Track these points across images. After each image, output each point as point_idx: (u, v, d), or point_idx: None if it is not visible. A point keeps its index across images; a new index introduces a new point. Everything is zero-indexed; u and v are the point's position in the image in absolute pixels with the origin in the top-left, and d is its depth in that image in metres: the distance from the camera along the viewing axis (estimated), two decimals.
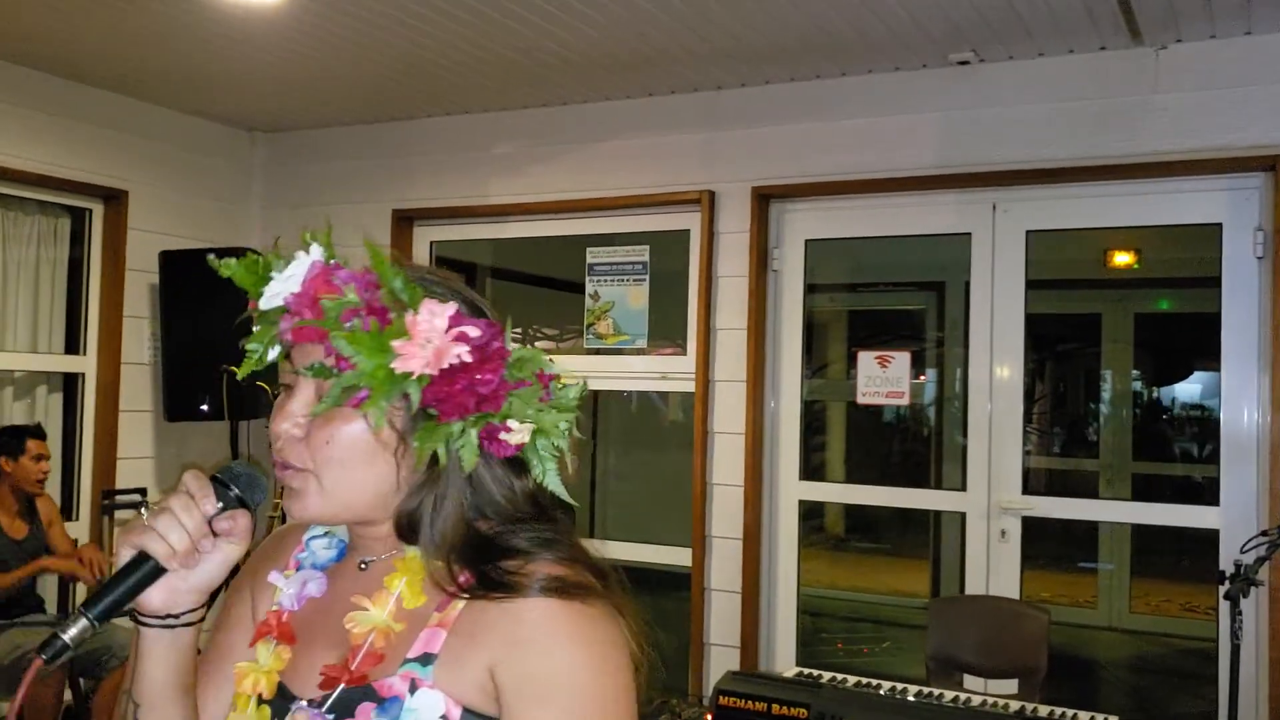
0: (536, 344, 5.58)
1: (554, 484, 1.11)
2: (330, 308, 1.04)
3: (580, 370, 5.18)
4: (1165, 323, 7.80)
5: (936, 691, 2.91)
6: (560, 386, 1.11)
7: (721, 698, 2.82)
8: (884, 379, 4.40)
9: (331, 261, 1.09)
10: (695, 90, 4.67)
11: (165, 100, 5.17)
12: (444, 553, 1.08)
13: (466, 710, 1.04)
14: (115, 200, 5.08)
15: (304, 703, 1.09)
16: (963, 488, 4.29)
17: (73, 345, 5.11)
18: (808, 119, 4.49)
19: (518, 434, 1.07)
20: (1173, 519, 4.38)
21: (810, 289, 4.62)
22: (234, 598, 1.24)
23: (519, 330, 5.70)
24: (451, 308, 1.05)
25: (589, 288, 4.99)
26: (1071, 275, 6.85)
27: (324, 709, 1.07)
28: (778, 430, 4.58)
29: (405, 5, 3.82)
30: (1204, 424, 7.94)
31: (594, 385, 5.50)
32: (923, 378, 6.78)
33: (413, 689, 1.04)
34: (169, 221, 5.28)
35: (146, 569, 1.03)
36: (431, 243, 5.43)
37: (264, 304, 1.09)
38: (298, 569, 1.20)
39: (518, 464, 1.11)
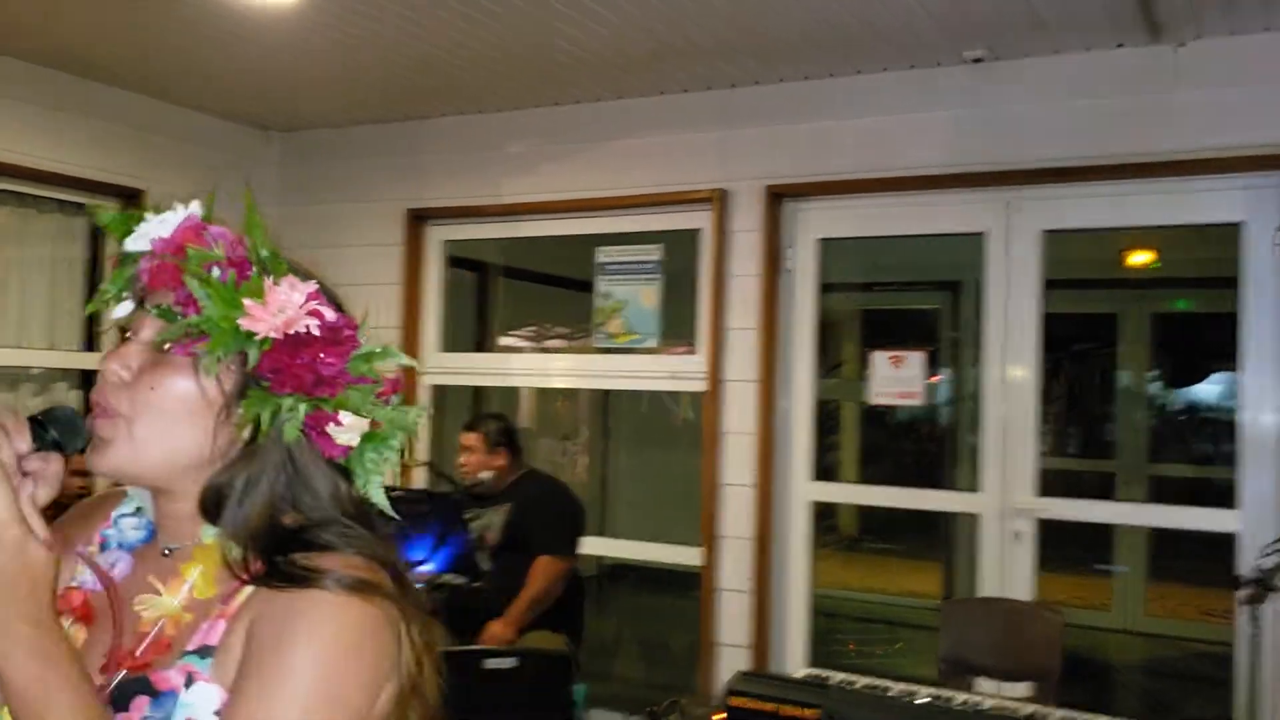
0: (547, 343, 5.57)
1: (377, 496, 1.10)
2: (194, 256, 1.06)
3: (590, 370, 5.18)
4: (1183, 323, 7.74)
5: (948, 693, 2.89)
6: (400, 402, 1.11)
7: (732, 697, 2.80)
8: (897, 379, 4.38)
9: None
10: (708, 88, 4.65)
11: (182, 99, 5.19)
12: (243, 537, 1.05)
13: None
14: (133, 199, 5.09)
15: None
16: (977, 489, 4.26)
17: (90, 341, 5.13)
18: (821, 117, 4.47)
19: (347, 432, 1.06)
20: (1190, 522, 4.33)
21: (823, 288, 4.60)
22: None
23: (531, 328, 5.70)
24: (312, 286, 1.07)
25: (600, 287, 4.98)
26: (1087, 275, 6.81)
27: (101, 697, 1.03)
28: (789, 430, 4.56)
29: (418, 4, 3.82)
30: (1222, 426, 7.88)
31: (604, 385, 5.51)
32: (936, 378, 6.74)
33: (189, 683, 1.01)
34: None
35: None
36: (444, 242, 5.44)
37: (130, 244, 1.10)
38: (103, 546, 1.17)
39: (342, 470, 1.09)
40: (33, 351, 4.94)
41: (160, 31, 4.22)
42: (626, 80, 4.61)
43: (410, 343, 5.35)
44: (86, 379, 5.13)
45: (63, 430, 1.06)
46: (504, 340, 5.80)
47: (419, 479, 5.20)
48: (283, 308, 1.03)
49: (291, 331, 1.03)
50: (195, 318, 1.03)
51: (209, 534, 1.08)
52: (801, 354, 4.56)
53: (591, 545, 5.44)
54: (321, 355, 1.04)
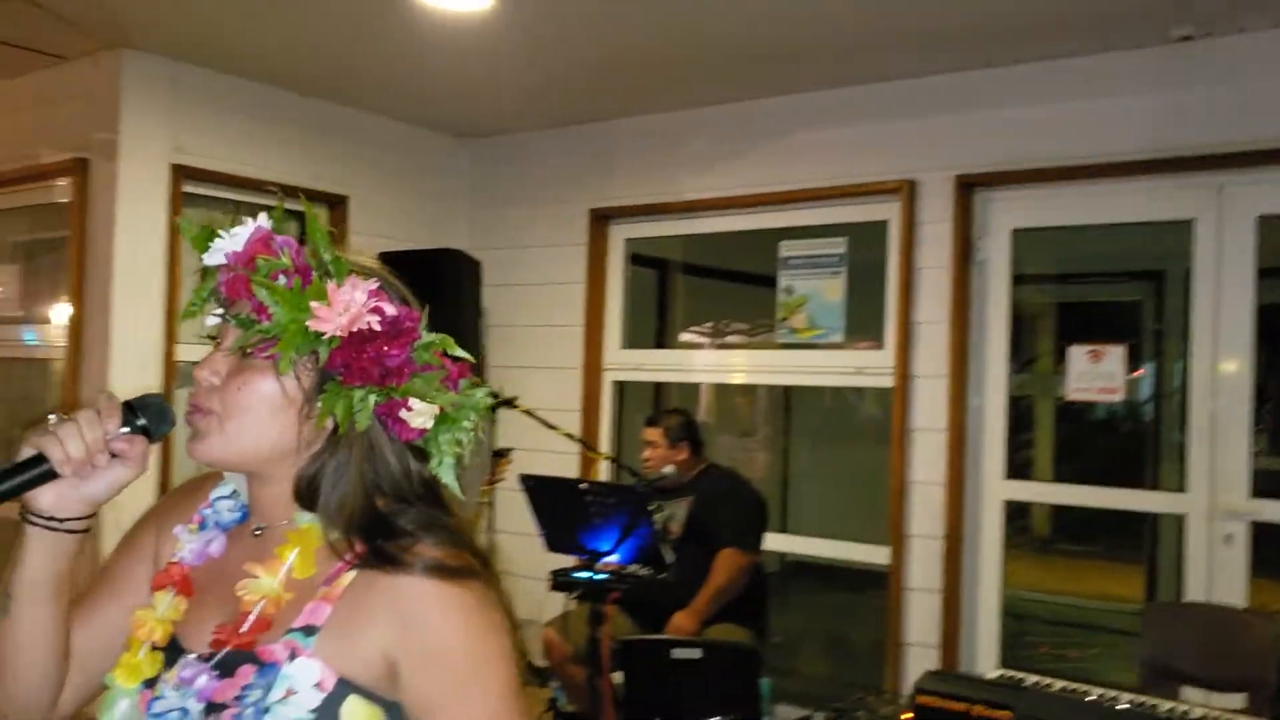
0: (728, 339, 5.59)
1: (448, 478, 1.19)
2: (263, 266, 1.14)
3: (773, 365, 5.18)
4: None
5: (1151, 700, 2.77)
6: (469, 386, 1.18)
7: (920, 696, 2.76)
8: (1096, 374, 4.20)
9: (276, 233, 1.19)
10: (893, 79, 4.57)
11: (382, 109, 5.46)
12: (341, 522, 1.15)
13: (343, 679, 1.10)
14: (338, 205, 5.40)
15: (193, 656, 1.15)
16: (1182, 489, 4.05)
17: None
18: (1014, 104, 4.33)
19: (419, 416, 1.14)
20: None
21: (1017, 280, 4.46)
22: (139, 531, 1.31)
23: (711, 324, 5.74)
24: (373, 284, 1.15)
25: (782, 282, 4.97)
26: None
27: (210, 665, 1.13)
28: (981, 427, 4.44)
29: (601, 8, 3.90)
30: None
31: (787, 381, 5.48)
32: (1139, 372, 6.42)
33: (292, 656, 1.10)
34: (386, 224, 5.56)
35: (41, 470, 1.09)
36: (626, 240, 5.53)
37: (208, 259, 1.18)
38: (201, 525, 1.26)
39: (418, 451, 1.18)
40: None
41: (363, 46, 4.46)
42: (808, 73, 4.59)
43: (593, 340, 5.48)
44: None
45: (152, 417, 1.15)
46: (685, 336, 5.86)
47: (603, 473, 5.32)
48: (346, 307, 1.11)
49: (355, 329, 1.11)
50: (267, 324, 1.12)
51: (303, 518, 1.18)
52: (994, 348, 4.43)
53: (774, 542, 5.46)
54: (385, 348, 1.12)
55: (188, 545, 1.24)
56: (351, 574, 1.13)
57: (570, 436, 4.66)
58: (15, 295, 5.43)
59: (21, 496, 1.11)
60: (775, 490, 8.32)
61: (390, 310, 1.14)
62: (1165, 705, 2.73)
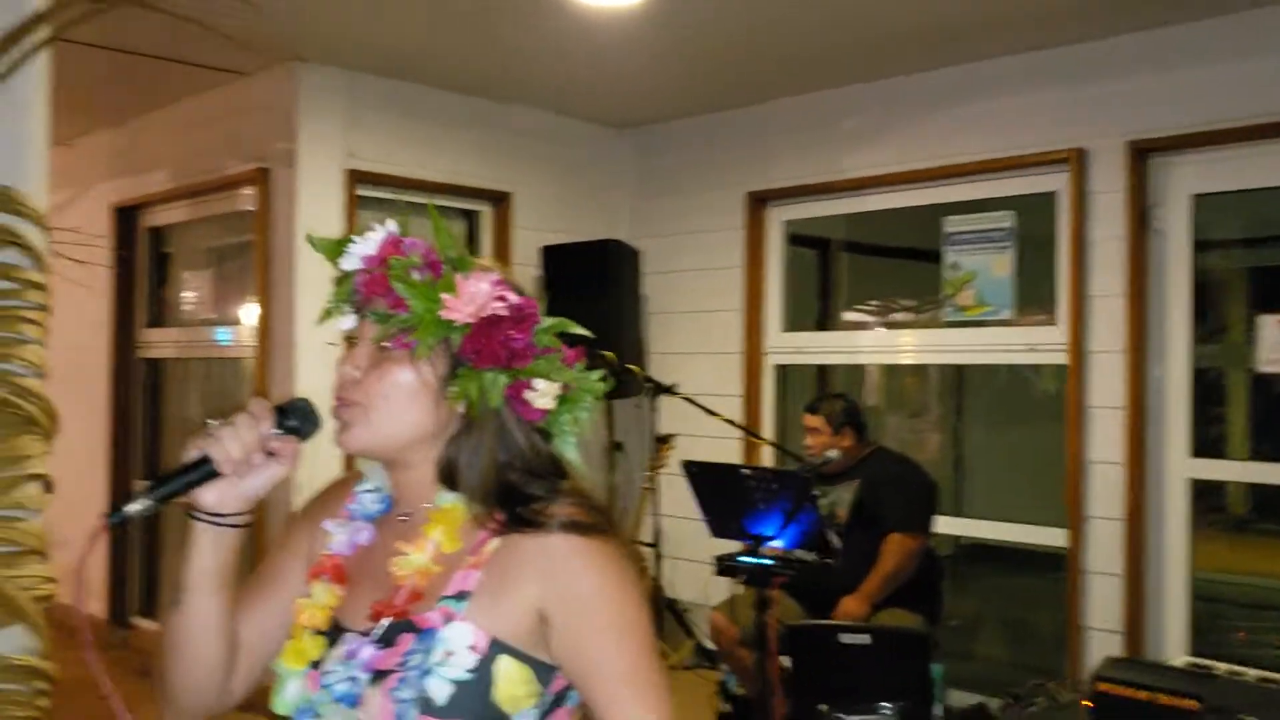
0: (893, 318, 5.49)
1: (571, 454, 1.28)
2: (396, 265, 1.23)
3: (940, 344, 5.07)
4: None
5: None
6: (583, 369, 1.27)
7: (1100, 683, 2.68)
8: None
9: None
10: (1058, 45, 4.40)
11: (543, 105, 5.57)
12: (480, 496, 1.24)
13: (495, 640, 1.18)
14: (501, 201, 5.55)
15: (355, 633, 1.24)
16: None
17: None
18: (1189, 63, 4.11)
19: (543, 396, 1.23)
20: None
21: (1199, 247, 4.23)
22: (294, 528, 1.40)
23: (875, 304, 5.64)
24: (495, 276, 1.24)
25: (948, 258, 4.85)
26: None
27: (372, 638, 1.22)
28: (1163, 403, 4.24)
29: None
30: None
31: (956, 359, 5.35)
32: None
33: (447, 621, 1.19)
34: (548, 218, 5.69)
35: (205, 470, 1.20)
36: (784, 222, 5.50)
37: (344, 264, 1.29)
38: (349, 519, 1.35)
39: (540, 433, 1.27)
40: None
41: (522, 45, 4.57)
42: (969, 44, 4.46)
43: (752, 323, 5.47)
44: None
45: (301, 418, 1.26)
46: (848, 317, 5.78)
47: (766, 458, 5.31)
48: (473, 297, 1.21)
49: (484, 316, 1.21)
50: (404, 315, 1.21)
51: (445, 498, 1.26)
52: (1176, 320, 4.22)
53: (947, 525, 5.34)
54: (510, 332, 1.21)
55: (338, 537, 1.33)
56: (495, 541, 1.22)
57: (730, 422, 4.67)
58: (209, 298, 5.80)
59: (188, 495, 1.22)
60: (949, 472, 8.14)
61: (513, 298, 1.22)
62: None
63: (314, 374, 4.81)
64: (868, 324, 5.65)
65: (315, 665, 1.25)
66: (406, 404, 1.24)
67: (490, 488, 1.24)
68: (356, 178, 4.94)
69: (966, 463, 8.14)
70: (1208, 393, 4.91)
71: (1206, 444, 4.33)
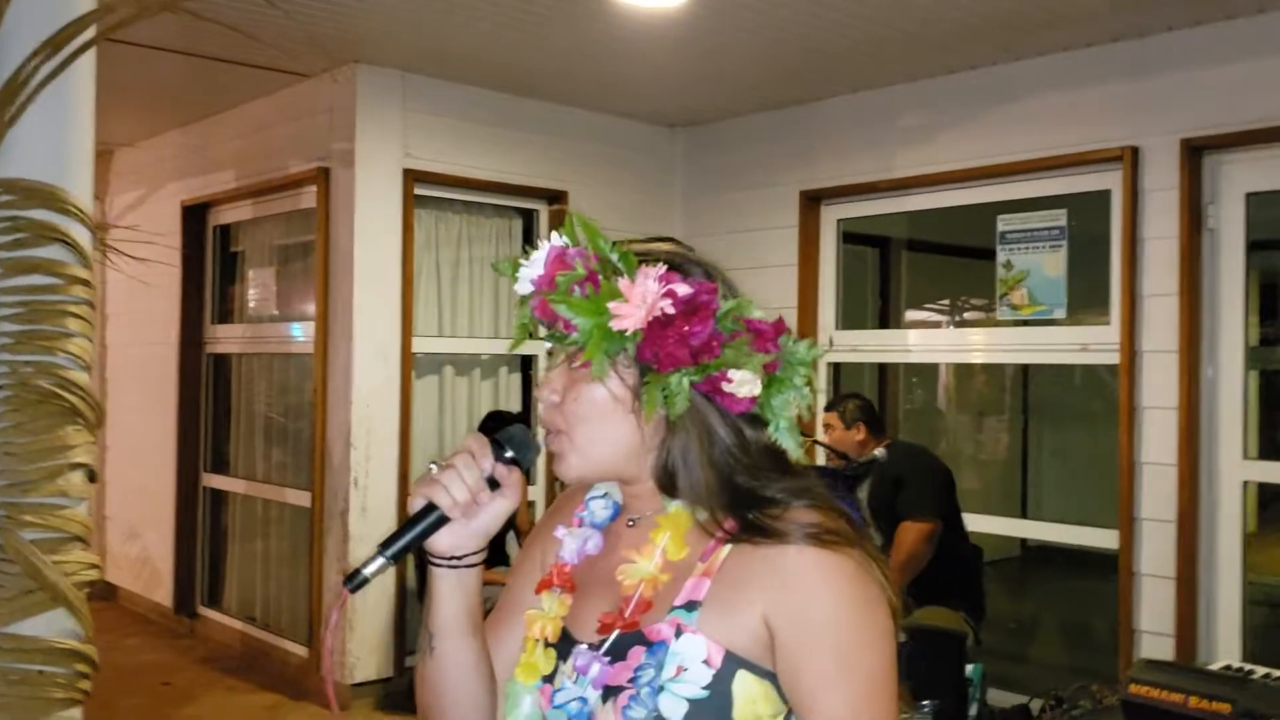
0: (947, 318, 5.46)
1: (788, 441, 1.18)
2: (562, 282, 1.17)
3: (994, 344, 5.04)
4: None
5: None
6: (789, 341, 1.18)
7: (1133, 686, 2.66)
8: None
9: (569, 245, 1.21)
10: (1113, 40, 4.35)
11: (595, 105, 5.64)
12: (705, 500, 1.16)
13: (729, 654, 1.11)
14: (557, 200, 5.63)
15: (584, 646, 1.20)
16: None
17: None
18: (1245, 59, 4.04)
19: (746, 385, 1.14)
20: None
21: (1254, 246, 4.15)
22: (526, 554, 1.38)
23: (931, 304, 5.62)
24: (660, 269, 1.16)
25: (1001, 256, 4.81)
26: None
27: (601, 652, 1.18)
28: (1216, 404, 4.17)
29: None
30: None
31: (1008, 359, 5.31)
32: None
33: (678, 634, 1.12)
34: (603, 216, 5.57)
35: (434, 517, 1.17)
36: (838, 220, 5.49)
37: (518, 289, 1.23)
38: (579, 526, 1.32)
39: (753, 419, 1.17)
40: (482, 340, 5.62)
41: (574, 47, 4.63)
42: (1022, 41, 4.43)
43: (806, 322, 5.47)
44: (525, 364, 5.75)
45: (518, 448, 1.22)
46: (904, 316, 5.77)
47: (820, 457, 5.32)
48: (642, 299, 1.13)
49: (652, 318, 1.13)
50: (575, 335, 1.16)
51: (671, 505, 1.21)
52: (1230, 320, 4.16)
53: (1004, 526, 5.32)
54: (686, 328, 1.13)
55: (568, 545, 1.30)
56: (727, 548, 1.15)
57: None
58: (274, 295, 5.97)
59: (421, 545, 1.19)
60: (1013, 473, 8.07)
61: (683, 290, 1.14)
62: None
63: (372, 369, 4.93)
64: (922, 322, 5.64)
65: (549, 679, 1.22)
66: (605, 422, 1.19)
67: (713, 491, 1.16)
68: (414, 177, 5.05)
69: (1032, 463, 8.06)
70: (1270, 394, 4.82)
71: (1269, 446, 4.26)
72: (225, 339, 6.24)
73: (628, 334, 1.14)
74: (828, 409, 4.58)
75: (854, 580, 1.10)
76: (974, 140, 4.82)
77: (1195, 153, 4.16)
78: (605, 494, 1.33)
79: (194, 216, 6.23)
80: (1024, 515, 7.82)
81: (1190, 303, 4.15)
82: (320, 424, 5.07)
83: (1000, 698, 4.52)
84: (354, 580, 1.14)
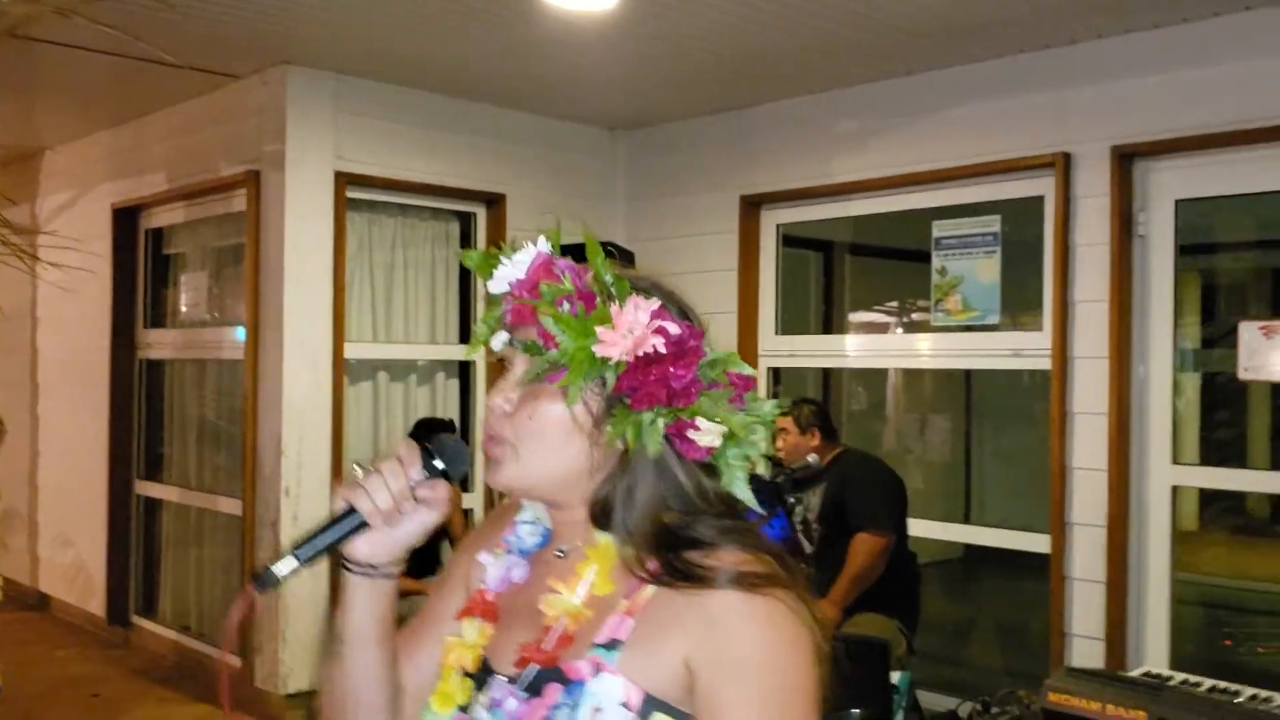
0: (887, 320, 5.46)
1: (741, 492, 1.15)
2: (546, 292, 1.13)
3: (929, 350, 5.05)
4: None
5: None
6: (754, 399, 1.15)
7: (1052, 694, 2.67)
8: (1271, 349, 3.91)
9: (556, 255, 1.17)
10: (1045, 48, 4.37)
11: (534, 107, 5.59)
12: (635, 540, 1.13)
13: (648, 696, 1.07)
14: (495, 203, 5.57)
15: (503, 678, 1.17)
16: None
17: (465, 335, 5.67)
18: (1174, 67, 4.07)
19: (707, 435, 1.11)
20: None
21: (1183, 252, 4.19)
22: (451, 570, 1.34)
23: (893, 304, 5.61)
24: (655, 304, 1.12)
25: (935, 262, 4.83)
26: None
27: (518, 686, 1.14)
28: (1146, 410, 4.20)
29: None
30: None
31: (942, 364, 5.32)
32: None
33: (596, 672, 1.09)
34: (542, 219, 5.64)
35: (354, 522, 1.14)
36: (778, 225, 5.49)
37: (492, 287, 1.19)
38: (506, 551, 1.28)
39: (708, 468, 1.14)
40: (418, 346, 5.55)
41: (508, 49, 4.58)
42: (957, 47, 4.44)
43: (746, 326, 5.46)
44: (463, 370, 5.69)
45: (449, 460, 1.18)
46: (848, 320, 5.77)
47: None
48: (630, 329, 1.10)
49: (641, 352, 1.10)
50: (554, 352, 1.12)
51: (601, 537, 1.16)
52: (1160, 326, 4.19)
53: (942, 531, 5.33)
54: (671, 369, 1.10)
55: (492, 571, 1.26)
56: (652, 588, 1.11)
57: None
58: (208, 300, 5.86)
59: (338, 549, 1.16)
60: (958, 476, 8.12)
61: (674, 330, 1.11)
62: None
63: (302, 375, 4.85)
64: (867, 325, 5.64)
65: (464, 709, 1.19)
66: (559, 443, 1.15)
67: (646, 530, 1.12)
68: (346, 180, 4.97)
69: (975, 467, 8.11)
70: (1218, 398, 4.86)
71: (1216, 449, 4.29)
72: (159, 344, 6.12)
73: (611, 363, 1.10)
74: (781, 414, 4.55)
75: (778, 625, 1.06)
76: (909, 146, 4.83)
77: (1126, 160, 4.19)
78: (535, 519, 1.29)
79: (125, 219, 6.11)
80: (967, 519, 7.89)
81: (1121, 309, 4.18)
82: (251, 431, 4.98)
83: (939, 701, 4.54)
84: (262, 580, 1.11)
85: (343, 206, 4.96)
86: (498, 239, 5.50)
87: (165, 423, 6.17)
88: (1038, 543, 4.46)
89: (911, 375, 7.63)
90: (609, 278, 1.14)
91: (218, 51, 4.66)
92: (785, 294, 5.58)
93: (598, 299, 1.12)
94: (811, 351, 5.62)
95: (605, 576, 1.15)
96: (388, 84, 5.10)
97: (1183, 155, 4.11)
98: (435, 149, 5.32)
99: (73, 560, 6.50)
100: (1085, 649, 4.22)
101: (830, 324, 6.51)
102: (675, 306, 1.16)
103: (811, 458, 4.14)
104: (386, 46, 4.59)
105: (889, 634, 3.87)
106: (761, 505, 3.10)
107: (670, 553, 1.10)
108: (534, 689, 1.13)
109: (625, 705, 1.07)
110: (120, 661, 5.84)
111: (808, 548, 3.73)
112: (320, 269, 4.90)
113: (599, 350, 1.10)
